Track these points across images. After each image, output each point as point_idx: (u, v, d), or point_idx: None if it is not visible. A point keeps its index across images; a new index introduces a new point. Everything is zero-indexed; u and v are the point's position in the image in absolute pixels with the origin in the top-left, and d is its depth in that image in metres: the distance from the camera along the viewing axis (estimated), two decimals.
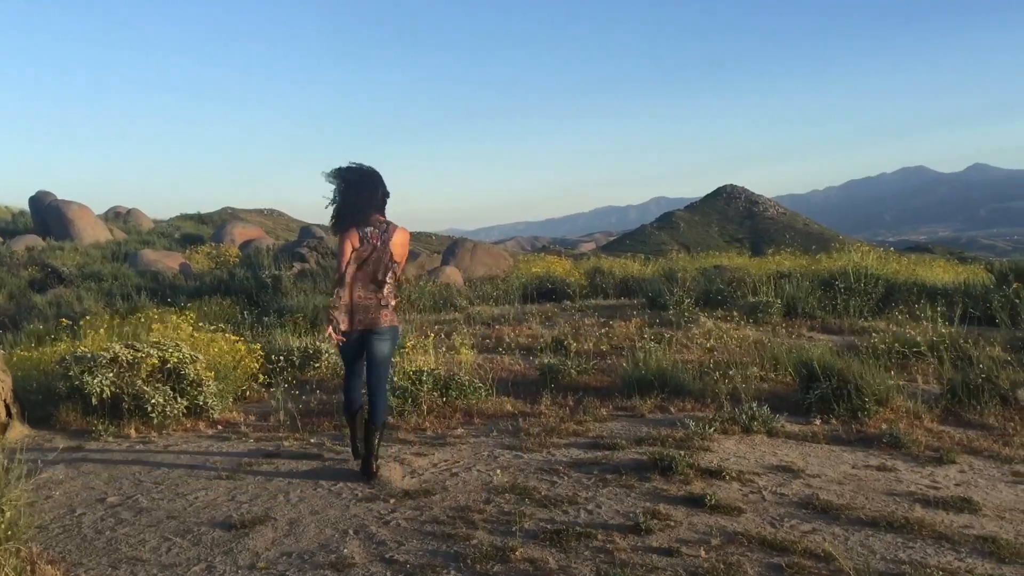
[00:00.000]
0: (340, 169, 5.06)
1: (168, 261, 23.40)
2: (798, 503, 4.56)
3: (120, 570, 3.92)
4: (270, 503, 4.81)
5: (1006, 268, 12.06)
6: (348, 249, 4.93)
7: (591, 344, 9.61)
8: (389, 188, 5.16)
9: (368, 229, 4.96)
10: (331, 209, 5.09)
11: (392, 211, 5.23)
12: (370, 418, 5.12)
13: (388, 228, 5.03)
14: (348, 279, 4.95)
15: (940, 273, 14.53)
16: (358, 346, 5.11)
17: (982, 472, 5.17)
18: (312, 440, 6.26)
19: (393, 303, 5.12)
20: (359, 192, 5.01)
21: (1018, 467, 5.26)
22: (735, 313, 11.19)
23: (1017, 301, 10.02)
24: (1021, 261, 12.49)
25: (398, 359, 7.89)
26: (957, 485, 4.91)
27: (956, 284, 12.20)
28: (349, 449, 5.62)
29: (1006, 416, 6.30)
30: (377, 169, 5.10)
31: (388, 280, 5.02)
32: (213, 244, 28.90)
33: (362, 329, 5.01)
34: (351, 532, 4.28)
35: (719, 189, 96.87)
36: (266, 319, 11.96)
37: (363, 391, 5.29)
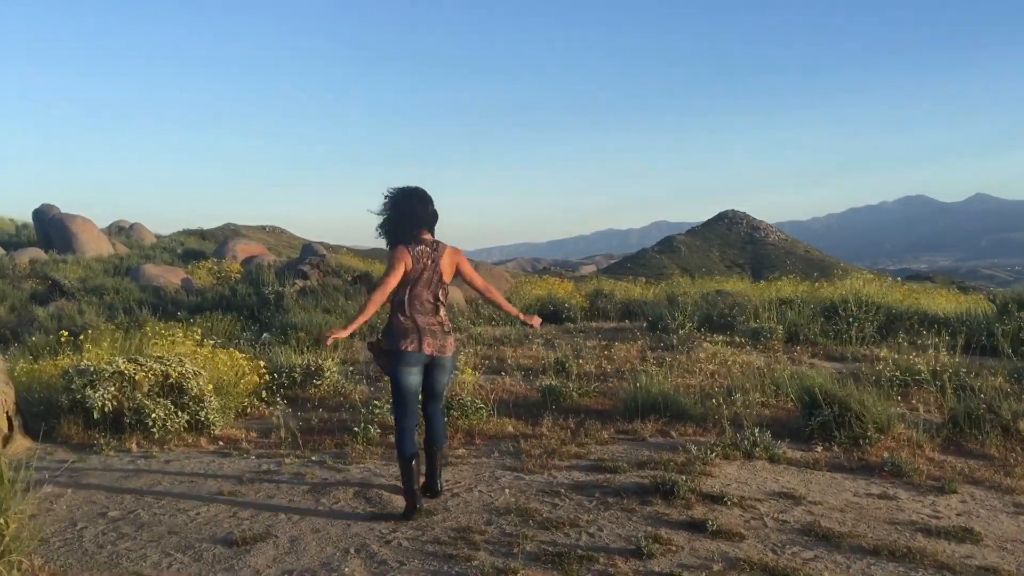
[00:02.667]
0: (391, 190, 5.00)
1: (170, 276, 23.42)
2: (800, 530, 4.56)
3: None
4: (271, 520, 4.80)
5: (1008, 298, 12.08)
6: (400, 267, 4.80)
7: (592, 366, 9.61)
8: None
9: (420, 248, 4.85)
10: (381, 230, 5.00)
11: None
12: (434, 442, 5.13)
13: (438, 247, 4.93)
14: (383, 296, 4.82)
15: (942, 302, 14.54)
16: (420, 374, 4.93)
17: (984, 502, 5.17)
18: (313, 458, 6.26)
19: (450, 327, 5.05)
20: (409, 206, 4.91)
21: (1020, 498, 5.25)
22: (737, 338, 11.21)
23: (1021, 332, 10.03)
24: (1022, 291, 12.51)
25: None
26: (959, 515, 4.90)
27: (958, 314, 12.20)
28: (399, 484, 5.16)
29: (1008, 447, 6.29)
30: (423, 188, 5.01)
31: (442, 299, 4.93)
32: (215, 260, 28.94)
33: (431, 354, 4.85)
34: (352, 551, 4.28)
35: (720, 214, 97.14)
36: (267, 336, 11.98)
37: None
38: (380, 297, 4.81)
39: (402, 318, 4.83)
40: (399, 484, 5.41)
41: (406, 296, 4.84)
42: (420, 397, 5.01)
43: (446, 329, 4.94)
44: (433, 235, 5.00)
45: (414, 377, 4.86)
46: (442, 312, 4.93)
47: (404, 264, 4.80)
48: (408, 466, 4.77)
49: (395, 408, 4.91)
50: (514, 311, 5.32)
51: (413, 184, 5.02)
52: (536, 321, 5.40)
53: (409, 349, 4.78)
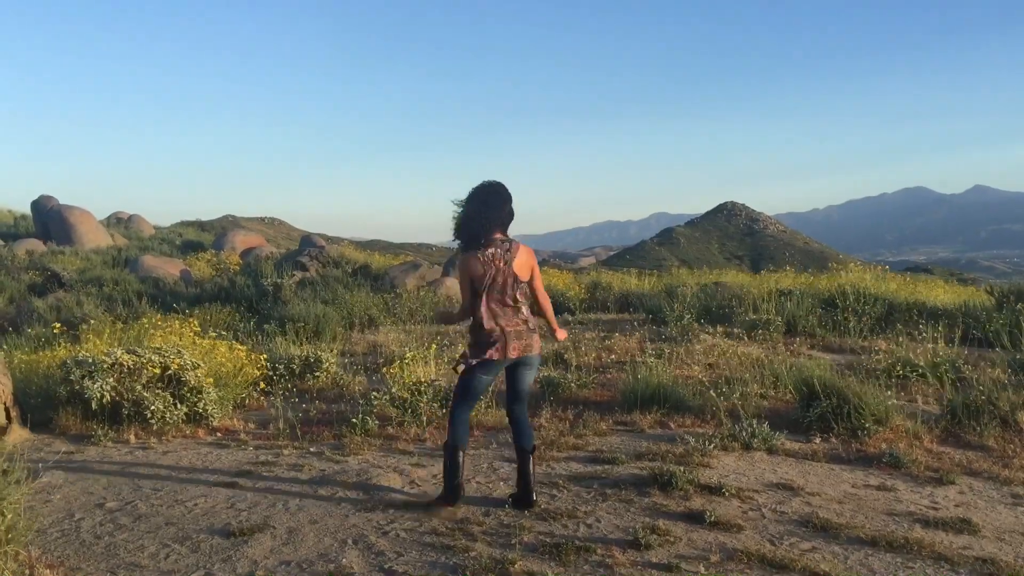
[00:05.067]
0: (472, 190, 4.67)
1: (169, 267, 23.41)
2: (798, 521, 4.56)
3: (118, 575, 3.92)
4: (269, 511, 4.80)
5: (1006, 290, 12.08)
6: (466, 279, 4.63)
7: (591, 358, 9.61)
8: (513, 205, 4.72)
9: (490, 251, 4.57)
10: (455, 231, 4.70)
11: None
12: (524, 446, 4.78)
13: (511, 247, 4.62)
14: (482, 310, 4.60)
15: (940, 294, 14.55)
16: (495, 377, 4.79)
17: (981, 494, 5.17)
18: (312, 449, 6.26)
19: (535, 324, 4.77)
20: (484, 210, 4.59)
21: (1017, 489, 5.26)
22: (735, 330, 11.20)
23: (1019, 323, 10.03)
24: (1021, 283, 12.51)
25: (397, 370, 7.89)
26: (957, 506, 4.91)
27: (956, 305, 12.21)
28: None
29: (1006, 438, 6.29)
30: (503, 184, 4.68)
31: (521, 299, 4.65)
32: (214, 251, 28.94)
33: (516, 356, 4.64)
34: (350, 542, 4.28)
35: (720, 206, 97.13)
36: (266, 327, 11.97)
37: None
38: (463, 315, 4.74)
39: (485, 328, 4.61)
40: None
41: (484, 304, 4.61)
42: (504, 398, 4.91)
43: (531, 327, 4.70)
44: (505, 233, 4.68)
45: (487, 378, 4.72)
46: (524, 311, 4.68)
47: (473, 271, 4.58)
48: (454, 453, 4.70)
49: (457, 400, 4.77)
50: (555, 324, 5.09)
51: (492, 180, 4.71)
52: (562, 335, 5.16)
53: (495, 358, 4.61)
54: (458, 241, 4.71)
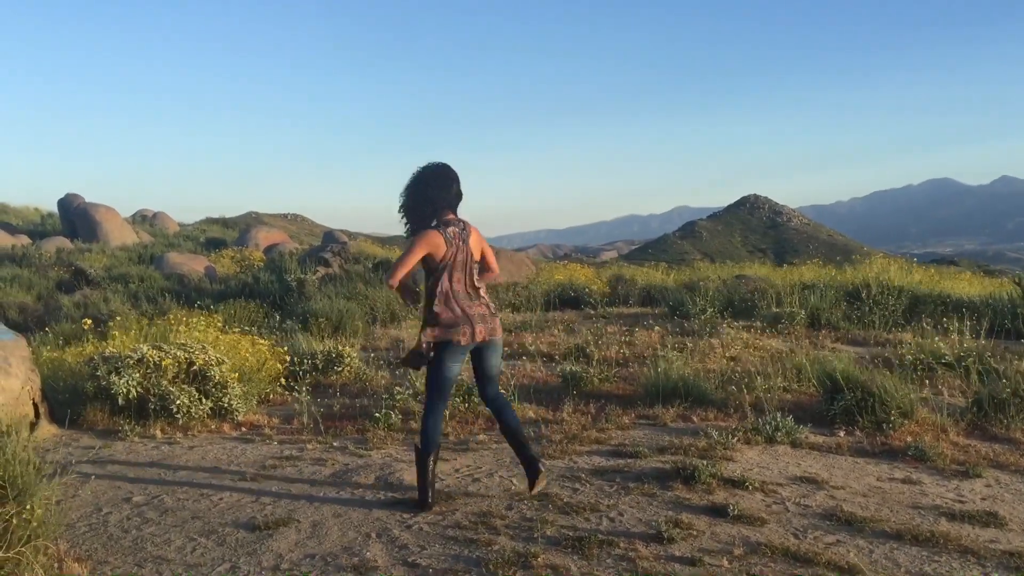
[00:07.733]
0: (416, 169, 4.67)
1: (193, 264, 23.61)
2: (822, 515, 4.53)
3: (146, 569, 3.96)
4: (293, 505, 4.84)
5: None
6: (420, 251, 4.51)
7: (613, 352, 9.60)
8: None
9: (450, 229, 4.55)
10: (403, 213, 4.69)
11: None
12: (511, 424, 4.79)
13: (466, 227, 4.65)
14: (445, 290, 4.54)
15: (966, 286, 14.40)
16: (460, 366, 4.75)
17: (1009, 487, 5.12)
18: (335, 444, 6.30)
19: (495, 308, 4.78)
20: (434, 188, 4.60)
21: None
22: (758, 323, 11.15)
23: None
24: None
25: None
26: (983, 499, 4.86)
27: (983, 297, 12.07)
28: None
29: None
30: (448, 165, 4.69)
31: (479, 282, 4.66)
32: (237, 248, 29.16)
33: (481, 340, 4.60)
34: (374, 535, 4.30)
35: (742, 199, 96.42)
36: (290, 323, 12.04)
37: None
38: (402, 271, 4.52)
39: (449, 310, 4.53)
40: None
41: (447, 285, 4.54)
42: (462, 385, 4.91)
43: (493, 311, 4.69)
44: (456, 215, 4.67)
45: (457, 367, 4.67)
46: (483, 294, 4.67)
47: (435, 247, 4.51)
48: (426, 460, 4.63)
49: (433, 397, 4.69)
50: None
51: (436, 162, 4.70)
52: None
53: (462, 343, 4.54)
54: (407, 224, 4.67)
